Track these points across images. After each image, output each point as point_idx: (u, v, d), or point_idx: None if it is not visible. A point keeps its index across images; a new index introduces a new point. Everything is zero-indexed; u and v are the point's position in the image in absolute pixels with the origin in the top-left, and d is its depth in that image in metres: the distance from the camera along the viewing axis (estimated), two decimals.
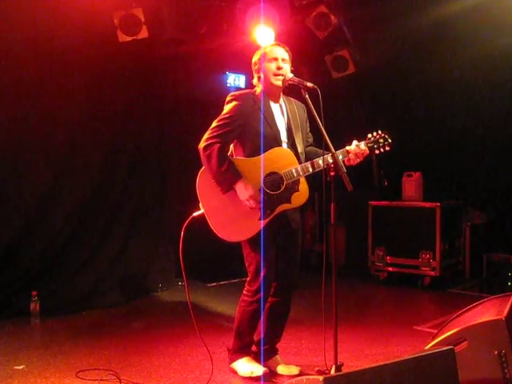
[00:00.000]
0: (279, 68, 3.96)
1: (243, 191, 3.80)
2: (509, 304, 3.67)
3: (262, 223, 3.85)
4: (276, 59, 3.98)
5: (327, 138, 3.71)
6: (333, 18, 6.75)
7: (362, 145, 4.02)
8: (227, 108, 3.96)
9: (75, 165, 6.26)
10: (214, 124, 3.91)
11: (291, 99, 4.21)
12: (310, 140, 4.28)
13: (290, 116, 4.09)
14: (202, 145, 3.86)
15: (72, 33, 5.84)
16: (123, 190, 6.72)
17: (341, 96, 7.87)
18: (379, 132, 4.10)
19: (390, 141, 4.10)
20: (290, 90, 4.15)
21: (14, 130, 5.79)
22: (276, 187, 3.88)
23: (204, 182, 3.88)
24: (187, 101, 7.19)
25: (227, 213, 3.84)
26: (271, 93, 4.05)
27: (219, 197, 3.84)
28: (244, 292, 4.10)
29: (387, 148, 4.09)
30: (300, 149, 4.04)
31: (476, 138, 7.32)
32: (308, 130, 4.25)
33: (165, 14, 6.22)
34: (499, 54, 6.70)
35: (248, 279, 4.06)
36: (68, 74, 6.04)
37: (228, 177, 3.81)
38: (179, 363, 4.47)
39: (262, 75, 4.02)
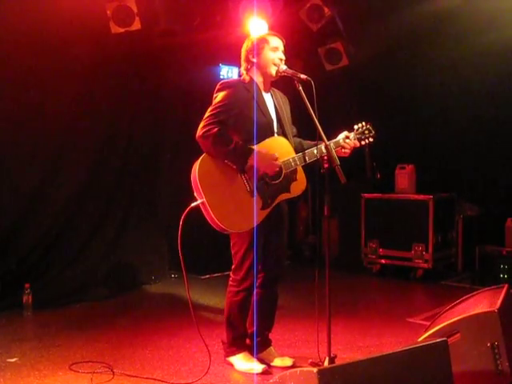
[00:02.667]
0: (281, 59, 3.96)
1: (262, 159, 3.77)
2: (501, 296, 3.69)
3: (262, 213, 3.83)
4: (277, 49, 3.97)
5: (321, 129, 3.72)
6: (326, 10, 6.75)
7: (352, 135, 4.09)
8: (220, 96, 3.90)
9: (68, 157, 6.23)
10: (208, 113, 3.86)
11: (276, 90, 4.20)
12: (294, 131, 4.28)
13: (279, 106, 4.10)
14: (199, 133, 3.80)
15: (64, 23, 5.78)
16: (116, 183, 6.69)
17: (334, 88, 7.87)
18: (363, 123, 4.18)
19: (373, 132, 4.19)
20: (282, 82, 4.14)
21: (3, 123, 5.74)
22: (276, 176, 3.88)
23: (205, 172, 3.78)
24: (180, 93, 7.16)
25: (230, 203, 3.78)
26: (263, 81, 4.04)
27: (220, 188, 3.79)
28: (230, 282, 4.11)
29: (371, 139, 4.19)
30: (289, 139, 4.06)
31: (468, 131, 7.32)
32: (291, 121, 4.26)
33: (158, 5, 6.19)
34: (492, 48, 6.70)
35: (233, 267, 4.07)
36: (59, 66, 5.99)
37: (241, 152, 3.77)
38: (173, 355, 4.47)
39: (260, 61, 3.97)
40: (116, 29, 5.97)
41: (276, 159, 3.85)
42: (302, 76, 3.83)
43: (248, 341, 4.19)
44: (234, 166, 3.79)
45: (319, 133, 3.73)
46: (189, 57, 7.10)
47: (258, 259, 3.97)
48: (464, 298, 4.12)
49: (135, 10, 5.94)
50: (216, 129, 3.77)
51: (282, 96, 4.21)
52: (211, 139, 3.76)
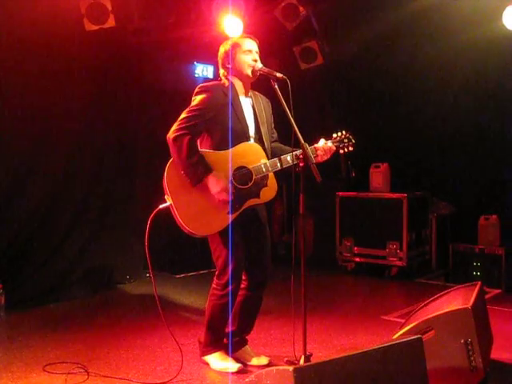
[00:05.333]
0: (256, 60, 3.96)
1: (215, 184, 3.77)
2: (474, 293, 3.74)
3: (231, 217, 3.83)
4: (251, 51, 3.97)
5: (296, 128, 3.71)
6: (301, 9, 6.75)
7: (329, 143, 4.08)
8: (197, 99, 3.92)
9: (42, 156, 6.17)
10: (184, 115, 3.87)
11: (257, 94, 4.20)
12: (275, 136, 4.29)
13: (257, 111, 4.09)
14: (171, 135, 3.81)
15: (36, 20, 5.71)
16: (90, 183, 6.64)
17: (309, 87, 7.89)
18: (343, 132, 4.18)
19: (353, 141, 4.19)
20: (259, 81, 4.13)
21: None
22: (245, 182, 3.87)
23: (173, 175, 3.82)
24: (154, 91, 7.13)
25: (196, 206, 3.80)
26: (242, 85, 4.04)
27: (188, 190, 3.80)
28: (213, 286, 4.09)
29: (350, 148, 4.18)
30: (266, 144, 4.05)
31: (442, 130, 7.40)
32: (273, 126, 4.26)
33: (132, 3, 6.16)
34: (468, 46, 6.76)
35: (216, 273, 4.06)
36: (31, 64, 5.91)
37: (199, 170, 3.77)
38: (148, 355, 4.45)
39: (235, 65, 3.97)
40: (90, 26, 5.91)
41: (227, 190, 3.80)
42: (278, 74, 3.83)
43: (225, 340, 4.19)
44: (188, 180, 3.80)
45: (294, 131, 3.72)
46: (163, 55, 7.07)
47: (241, 263, 3.97)
48: (438, 295, 4.17)
49: (109, 7, 5.89)
50: (188, 136, 3.79)
51: (263, 99, 4.20)
52: (179, 146, 3.78)
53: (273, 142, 4.22)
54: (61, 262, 6.28)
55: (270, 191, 3.98)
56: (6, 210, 5.91)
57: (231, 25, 6.29)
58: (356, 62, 7.62)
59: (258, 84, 4.19)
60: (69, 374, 3.99)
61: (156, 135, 6.91)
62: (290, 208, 8.52)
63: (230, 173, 3.82)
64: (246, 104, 4.06)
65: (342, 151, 4.14)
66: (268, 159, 3.96)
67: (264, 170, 3.90)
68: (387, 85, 7.58)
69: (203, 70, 7.57)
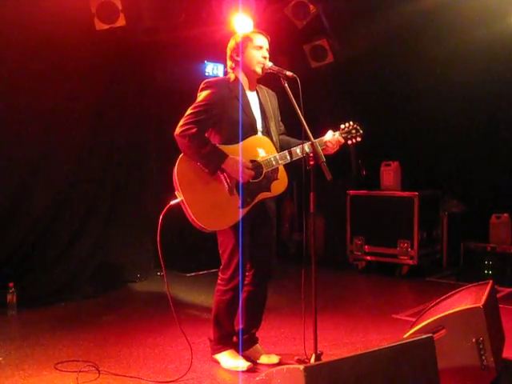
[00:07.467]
0: (265, 57, 3.95)
1: (235, 166, 3.77)
2: (486, 292, 3.71)
3: (242, 212, 3.83)
4: (261, 48, 3.96)
5: (306, 127, 3.71)
6: (311, 7, 6.75)
7: (337, 134, 4.07)
8: (202, 95, 3.91)
9: (52, 155, 6.19)
10: (189, 111, 3.87)
11: (263, 87, 4.20)
12: (282, 129, 4.28)
13: (264, 104, 4.08)
14: (177, 131, 3.82)
15: (48, 19, 5.73)
16: (101, 181, 6.66)
17: (319, 85, 7.87)
18: (351, 123, 4.17)
19: (361, 132, 4.19)
20: (268, 80, 4.13)
21: None
22: (255, 175, 3.87)
23: (183, 171, 3.81)
24: (165, 89, 7.13)
25: (207, 202, 3.80)
26: (248, 80, 4.03)
27: (199, 186, 3.80)
28: (218, 281, 4.10)
29: (358, 139, 4.18)
30: (274, 138, 4.05)
31: (453, 128, 7.36)
32: (279, 118, 4.25)
33: (143, 1, 6.16)
34: (478, 44, 6.74)
35: (221, 267, 4.06)
36: (42, 63, 5.94)
37: (214, 157, 3.78)
38: (158, 354, 4.46)
39: (244, 59, 3.96)
40: (100, 25, 5.92)
41: (250, 167, 3.84)
42: (288, 73, 3.83)
43: (235, 338, 4.19)
44: (206, 170, 3.80)
45: (305, 129, 3.73)
46: (174, 54, 7.08)
47: (245, 257, 3.97)
48: (449, 294, 4.15)
49: (120, 6, 5.91)
50: (194, 129, 3.78)
51: (269, 93, 4.20)
52: (187, 139, 3.78)
53: (280, 134, 4.21)
54: (71, 261, 6.30)
55: (280, 184, 3.98)
56: (17, 209, 5.94)
57: (241, 23, 6.30)
58: (366, 60, 7.59)
59: (268, 82, 4.20)
60: (80, 372, 3.99)
61: (166, 133, 6.88)
62: (301, 206, 8.51)
63: (241, 165, 3.81)
64: (253, 98, 4.06)
65: (350, 142, 4.14)
66: (277, 152, 3.96)
67: (274, 163, 3.90)
68: (398, 83, 7.56)
69: (213, 69, 7.57)
